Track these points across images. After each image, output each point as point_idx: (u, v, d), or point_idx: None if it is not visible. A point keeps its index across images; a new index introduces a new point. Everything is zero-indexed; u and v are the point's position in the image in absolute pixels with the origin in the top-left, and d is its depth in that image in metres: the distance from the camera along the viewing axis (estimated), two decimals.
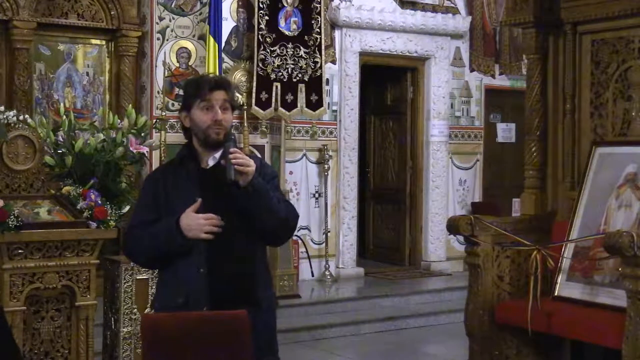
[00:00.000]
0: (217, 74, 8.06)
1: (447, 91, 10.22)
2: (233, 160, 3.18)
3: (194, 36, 8.65)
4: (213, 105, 3.30)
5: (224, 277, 3.27)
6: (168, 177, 3.39)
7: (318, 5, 8.90)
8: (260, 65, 8.56)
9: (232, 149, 3.21)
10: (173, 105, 8.42)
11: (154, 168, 6.69)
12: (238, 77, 8.67)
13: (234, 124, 8.63)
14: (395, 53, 9.89)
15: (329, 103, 9.27)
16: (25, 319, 4.56)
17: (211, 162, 3.35)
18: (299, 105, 8.78)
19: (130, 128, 5.38)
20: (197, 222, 3.22)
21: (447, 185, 10.28)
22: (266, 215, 3.25)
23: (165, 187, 3.36)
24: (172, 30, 8.56)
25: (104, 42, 8.52)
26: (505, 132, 11.06)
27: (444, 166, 10.22)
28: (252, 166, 3.21)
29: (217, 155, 3.34)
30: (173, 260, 3.31)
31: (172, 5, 8.56)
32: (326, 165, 9.32)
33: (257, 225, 3.28)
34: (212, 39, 8.18)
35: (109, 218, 4.69)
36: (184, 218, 3.23)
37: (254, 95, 8.55)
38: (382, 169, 10.77)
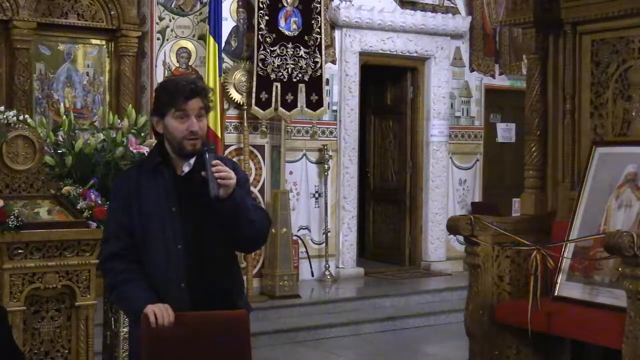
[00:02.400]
0: (217, 74, 8.06)
1: (447, 91, 10.22)
2: (216, 174, 3.09)
3: (194, 36, 8.64)
4: (189, 114, 3.19)
5: (205, 289, 3.22)
6: (141, 183, 3.26)
7: (318, 5, 8.90)
8: (260, 65, 8.56)
9: (214, 162, 3.12)
10: None
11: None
12: (238, 77, 8.66)
13: (234, 124, 8.70)
14: (395, 53, 9.89)
15: (329, 103, 9.27)
16: (25, 319, 4.56)
17: (186, 169, 3.26)
18: (299, 105, 8.78)
19: (130, 128, 5.38)
20: (161, 309, 3.12)
21: (447, 185, 10.28)
22: (244, 226, 3.18)
23: (138, 194, 3.24)
24: (172, 30, 8.56)
25: (104, 42, 8.52)
26: (505, 132, 11.06)
27: (444, 166, 10.22)
28: (233, 179, 3.12)
29: (192, 161, 3.25)
30: (152, 273, 3.23)
31: (172, 5, 8.56)
32: (326, 165, 9.32)
33: (233, 234, 3.22)
34: (212, 39, 8.17)
35: None
36: (153, 306, 3.14)
37: (254, 95, 8.54)
38: (382, 169, 10.77)
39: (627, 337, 4.03)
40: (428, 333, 8.11)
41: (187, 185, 3.24)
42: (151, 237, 3.22)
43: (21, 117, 4.77)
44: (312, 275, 9.24)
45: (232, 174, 3.13)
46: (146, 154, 5.43)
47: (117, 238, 3.27)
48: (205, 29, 8.34)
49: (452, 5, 10.29)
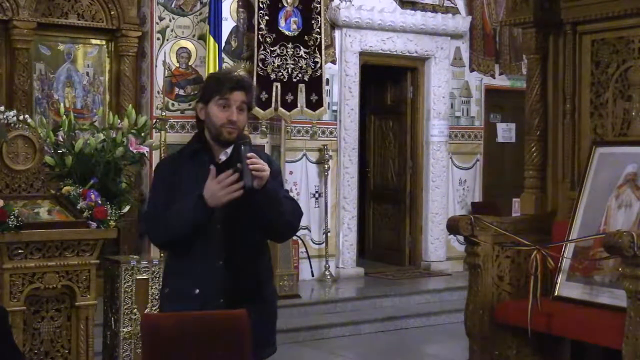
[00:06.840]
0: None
1: (447, 91, 10.22)
2: (250, 166, 3.21)
3: (194, 36, 8.64)
4: (230, 104, 3.34)
5: (239, 272, 3.36)
6: (180, 167, 3.40)
7: (318, 5, 8.90)
8: (260, 65, 8.56)
9: (249, 154, 3.24)
10: (173, 105, 8.43)
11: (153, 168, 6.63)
12: None
13: None
14: (395, 53, 9.89)
15: (329, 103, 9.27)
16: (25, 319, 4.56)
17: (223, 157, 3.41)
18: (299, 105, 8.78)
19: (130, 128, 5.38)
20: (218, 186, 3.21)
21: (447, 185, 10.28)
22: (276, 217, 3.34)
23: (179, 178, 3.37)
24: (172, 30, 8.56)
25: (104, 42, 8.52)
26: (505, 132, 11.06)
27: (444, 166, 10.22)
28: (267, 171, 3.25)
29: (229, 150, 3.39)
30: (190, 251, 3.33)
31: (172, 5, 8.56)
32: (326, 165, 9.32)
33: (265, 224, 3.37)
34: (212, 39, 8.17)
35: (109, 218, 4.69)
36: (206, 188, 3.22)
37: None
38: (382, 169, 10.76)
39: (627, 337, 4.03)
40: (428, 333, 8.11)
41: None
42: None
43: (21, 117, 4.76)
44: (312, 275, 9.24)
45: (266, 167, 3.27)
46: (146, 154, 5.49)
47: (163, 208, 3.36)
48: (205, 29, 8.34)
49: (452, 5, 10.29)
